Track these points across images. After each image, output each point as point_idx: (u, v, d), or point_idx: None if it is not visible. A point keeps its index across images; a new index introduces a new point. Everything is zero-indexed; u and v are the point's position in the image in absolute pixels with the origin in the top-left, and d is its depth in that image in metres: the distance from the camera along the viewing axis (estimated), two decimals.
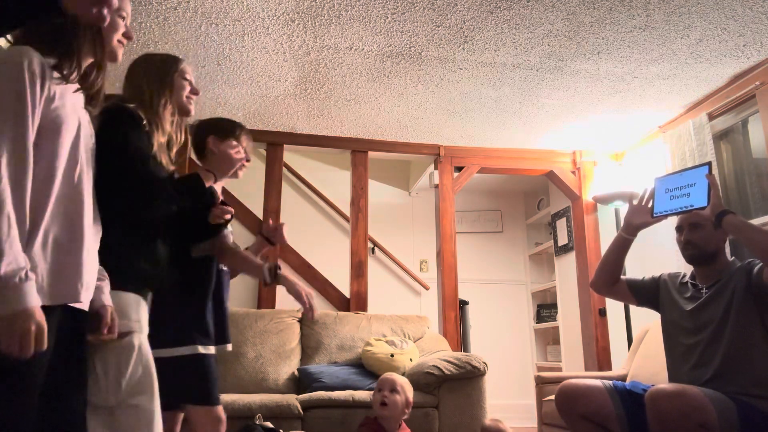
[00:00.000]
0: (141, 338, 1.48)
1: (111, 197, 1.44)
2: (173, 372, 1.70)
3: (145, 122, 1.59)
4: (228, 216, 1.82)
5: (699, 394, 1.84)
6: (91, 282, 1.30)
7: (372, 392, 2.62)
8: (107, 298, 1.40)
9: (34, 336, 1.07)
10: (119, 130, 1.50)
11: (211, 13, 2.79)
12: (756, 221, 3.22)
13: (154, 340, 1.67)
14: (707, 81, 3.39)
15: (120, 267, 1.47)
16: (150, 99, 1.65)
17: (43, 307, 1.13)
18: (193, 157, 2.08)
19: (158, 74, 1.71)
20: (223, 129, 2.00)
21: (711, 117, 3.52)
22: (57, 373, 1.21)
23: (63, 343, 1.22)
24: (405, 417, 2.53)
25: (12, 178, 1.10)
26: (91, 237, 1.30)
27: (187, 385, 1.78)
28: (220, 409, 1.84)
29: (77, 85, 1.29)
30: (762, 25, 2.82)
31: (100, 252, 1.39)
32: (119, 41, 1.38)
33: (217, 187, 1.94)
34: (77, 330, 1.28)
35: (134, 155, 1.51)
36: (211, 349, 1.85)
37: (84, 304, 1.29)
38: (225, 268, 2.04)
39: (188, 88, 1.79)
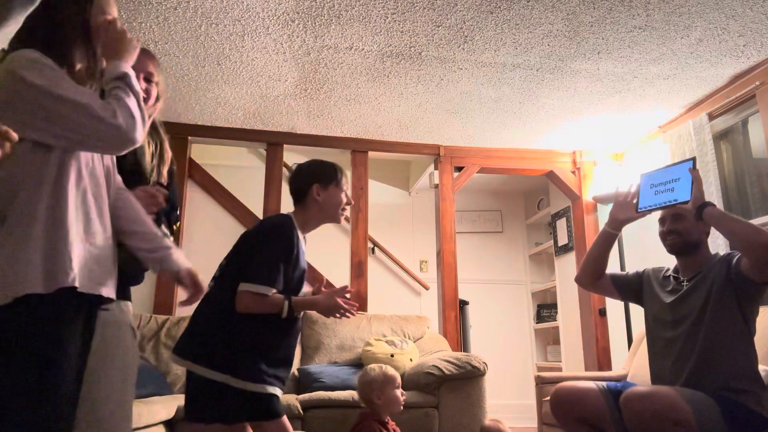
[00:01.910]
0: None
1: None
2: (243, 401, 1.76)
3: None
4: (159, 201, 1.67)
5: (670, 393, 1.84)
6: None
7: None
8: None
9: None
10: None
11: (211, 13, 2.79)
12: (756, 221, 3.22)
13: (222, 363, 1.74)
14: (707, 81, 3.39)
15: None
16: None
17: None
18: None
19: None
20: (326, 175, 2.01)
21: (711, 117, 3.52)
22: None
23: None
24: None
25: None
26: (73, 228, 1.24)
27: (253, 410, 1.82)
28: (285, 420, 1.85)
29: None
30: (762, 25, 2.82)
31: None
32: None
33: (306, 233, 2.00)
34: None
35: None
36: (279, 392, 1.85)
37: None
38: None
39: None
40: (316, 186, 1.96)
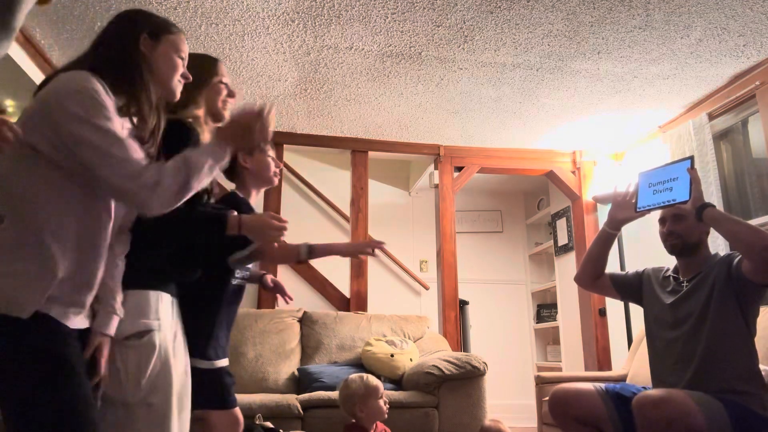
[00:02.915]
0: (160, 337, 1.46)
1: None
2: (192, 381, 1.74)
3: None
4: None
5: (685, 400, 1.82)
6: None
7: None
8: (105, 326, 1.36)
9: None
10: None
11: (211, 13, 2.79)
12: (756, 221, 3.22)
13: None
14: (707, 81, 3.39)
15: (137, 264, 1.45)
16: (186, 102, 1.56)
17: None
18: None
19: (195, 77, 1.49)
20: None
21: (711, 117, 3.52)
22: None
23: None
24: None
25: None
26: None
27: (204, 393, 1.78)
28: (237, 411, 1.87)
29: (130, 126, 1.32)
30: (762, 25, 2.82)
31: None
32: (178, 80, 1.42)
33: (252, 201, 1.99)
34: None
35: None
36: (224, 362, 1.86)
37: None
38: (240, 283, 1.99)
39: (225, 92, 1.72)
40: (241, 153, 1.97)
